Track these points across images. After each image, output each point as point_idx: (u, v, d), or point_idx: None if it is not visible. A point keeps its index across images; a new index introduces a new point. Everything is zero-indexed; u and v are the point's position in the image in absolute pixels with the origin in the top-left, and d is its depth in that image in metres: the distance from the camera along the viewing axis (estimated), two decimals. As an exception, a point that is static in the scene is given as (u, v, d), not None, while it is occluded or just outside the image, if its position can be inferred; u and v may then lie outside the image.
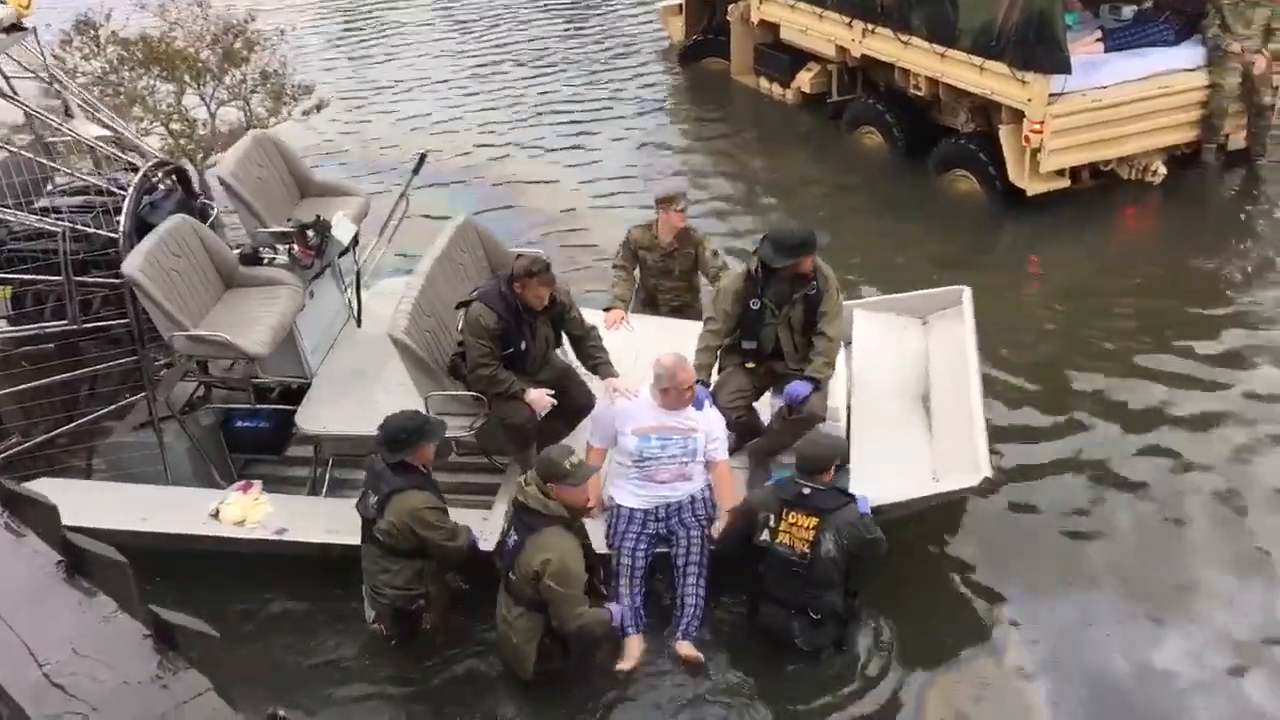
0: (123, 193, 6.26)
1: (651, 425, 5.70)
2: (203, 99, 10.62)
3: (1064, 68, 9.00)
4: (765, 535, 5.42)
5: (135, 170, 6.48)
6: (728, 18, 13.39)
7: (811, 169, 11.37)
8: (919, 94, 10.66)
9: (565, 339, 6.20)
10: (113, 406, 6.52)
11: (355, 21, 17.50)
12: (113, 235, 6.12)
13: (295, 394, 6.64)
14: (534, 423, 5.88)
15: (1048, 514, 6.43)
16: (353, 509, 5.60)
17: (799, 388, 5.88)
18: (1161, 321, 8.18)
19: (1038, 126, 9.23)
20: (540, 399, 5.80)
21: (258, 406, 6.59)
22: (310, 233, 6.62)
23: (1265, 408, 7.19)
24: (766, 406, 6.33)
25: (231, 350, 6.10)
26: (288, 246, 6.67)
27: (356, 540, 5.57)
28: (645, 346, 6.32)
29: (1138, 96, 9.56)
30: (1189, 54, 9.83)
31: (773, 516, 5.42)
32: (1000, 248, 9.79)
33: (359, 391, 6.50)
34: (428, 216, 8.85)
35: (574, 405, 6.08)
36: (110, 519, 5.86)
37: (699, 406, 5.74)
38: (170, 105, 10.49)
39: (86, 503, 6.06)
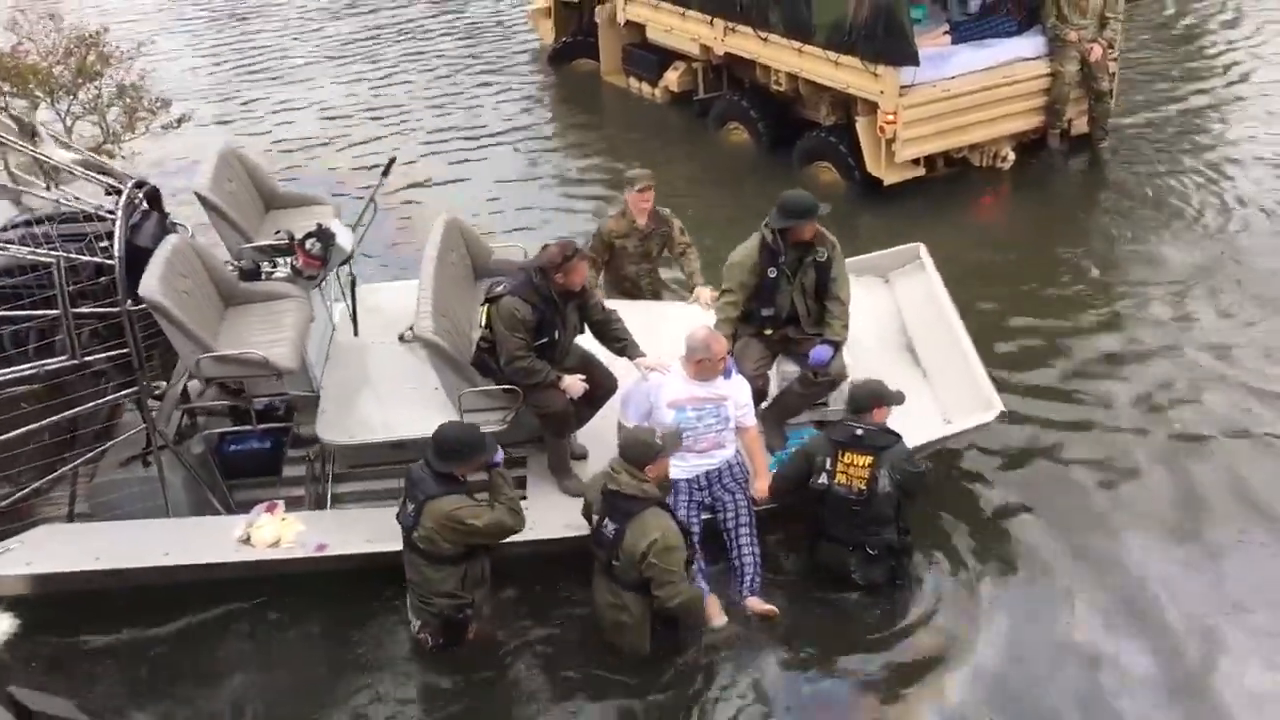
0: (111, 216, 5.96)
1: (686, 397, 5.87)
2: (58, 114, 10.37)
3: (912, 60, 9.34)
4: (823, 478, 5.76)
5: (115, 192, 6.19)
6: (596, 19, 13.53)
7: (682, 166, 11.54)
8: (781, 89, 10.94)
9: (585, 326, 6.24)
10: (112, 442, 6.25)
11: (221, 31, 17.22)
12: (107, 262, 5.80)
13: (283, 413, 6.44)
14: (571, 410, 6.03)
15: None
16: (382, 517, 5.68)
17: (823, 351, 6.19)
18: (1019, 298, 8.60)
19: (891, 118, 9.56)
20: (575, 384, 5.93)
21: (249, 428, 6.31)
22: (311, 242, 6.44)
23: (1131, 368, 7.73)
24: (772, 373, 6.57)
25: (265, 368, 5.90)
26: (289, 258, 6.54)
27: (398, 547, 5.55)
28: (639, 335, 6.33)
29: (985, 86, 9.99)
30: (1031, 44, 10.30)
31: (829, 459, 5.75)
32: (862, 236, 9.99)
33: (374, 398, 6.46)
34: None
35: (599, 389, 6.19)
36: (130, 558, 5.81)
37: (727, 376, 5.94)
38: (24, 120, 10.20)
39: (97, 546, 5.93)
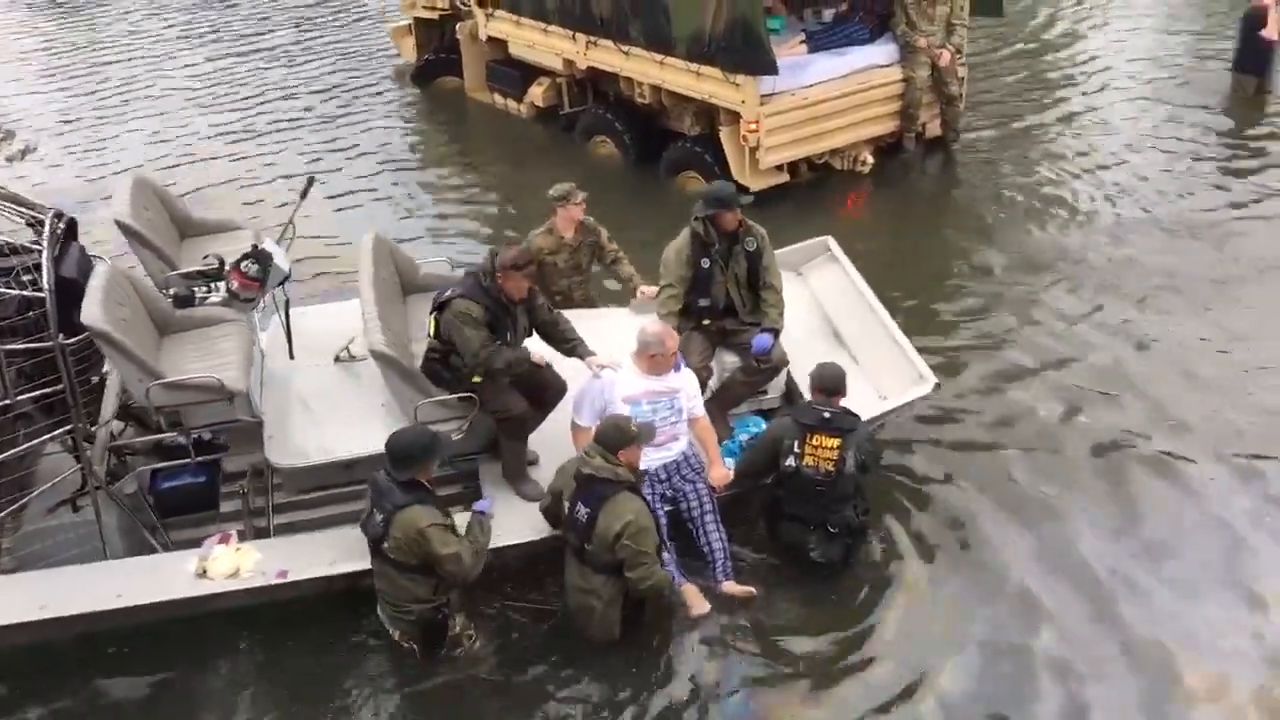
0: (36, 248, 5.67)
1: (641, 392, 6.00)
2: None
3: (771, 69, 9.55)
4: (791, 460, 5.92)
5: (35, 224, 5.89)
6: (457, 36, 13.48)
7: (548, 181, 11.45)
8: (645, 102, 11.06)
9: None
10: (42, 488, 5.94)
11: (58, 54, 16.60)
12: (36, 295, 5.49)
13: (208, 445, 6.21)
14: (530, 411, 6.11)
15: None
16: (339, 539, 5.74)
17: (765, 339, 6.42)
18: (887, 292, 8.81)
19: (753, 126, 9.77)
20: (541, 356, 6.08)
21: (183, 462, 6.08)
22: (247, 264, 6.30)
23: (994, 353, 8.13)
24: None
25: (219, 392, 5.77)
26: (220, 283, 6.40)
27: (361, 566, 5.58)
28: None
29: (842, 92, 10.29)
30: (883, 51, 10.65)
31: (797, 442, 5.92)
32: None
33: (321, 419, 6.36)
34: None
35: (549, 391, 6.24)
36: (80, 604, 5.59)
37: (677, 369, 6.09)
38: None
39: (39, 595, 5.64)
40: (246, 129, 13.19)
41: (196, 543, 6.00)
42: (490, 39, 12.84)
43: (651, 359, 5.98)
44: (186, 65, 15.75)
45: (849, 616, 5.95)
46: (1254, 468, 6.79)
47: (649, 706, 5.51)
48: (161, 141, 12.97)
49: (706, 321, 6.62)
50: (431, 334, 5.99)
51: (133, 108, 14.16)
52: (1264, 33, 11.87)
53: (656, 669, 5.68)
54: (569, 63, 11.71)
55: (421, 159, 12.41)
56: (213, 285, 6.49)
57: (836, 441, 5.88)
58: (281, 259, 6.48)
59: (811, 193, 10.47)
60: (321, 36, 16.77)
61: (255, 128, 13.23)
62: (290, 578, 5.77)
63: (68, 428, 5.82)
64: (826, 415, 5.93)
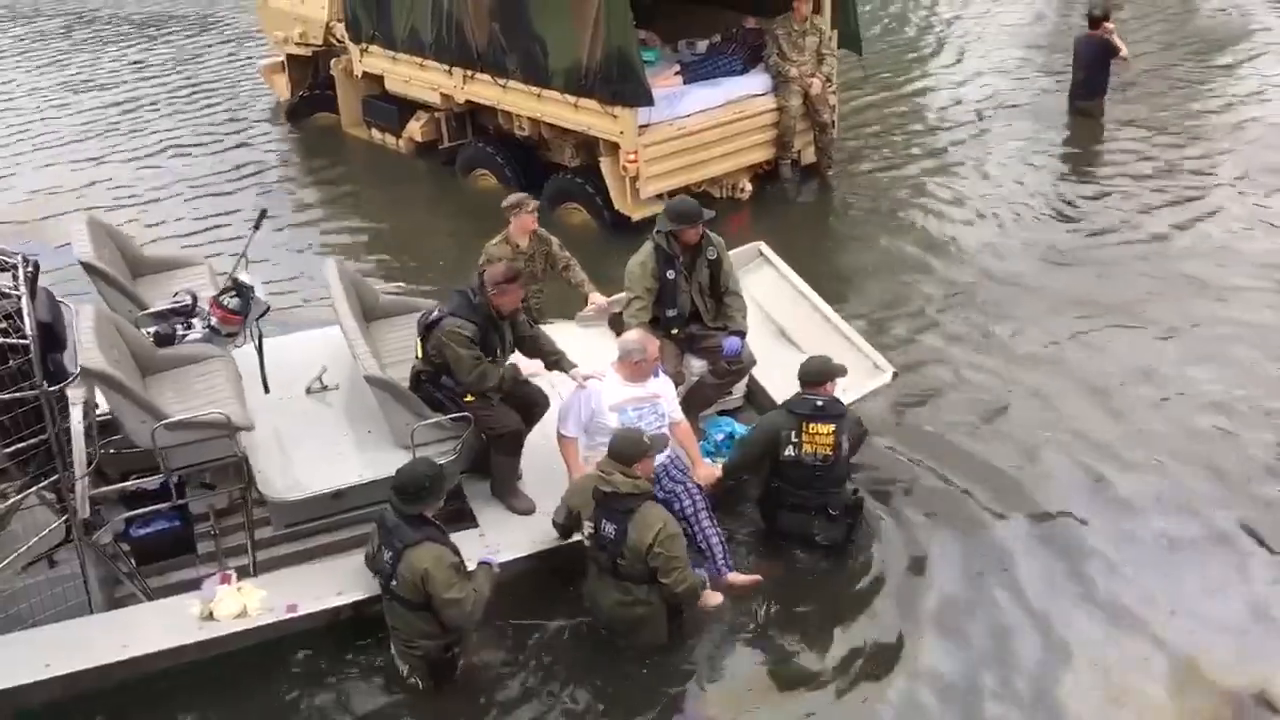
0: (13, 293, 5.41)
1: (626, 399, 6.14)
2: None
3: (647, 100, 9.68)
4: (790, 450, 6.20)
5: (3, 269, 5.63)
6: (331, 72, 13.34)
7: (433, 216, 11.53)
8: (525, 134, 11.09)
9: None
10: (29, 544, 5.61)
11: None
12: (19, 342, 5.21)
13: (177, 489, 6.01)
14: (523, 426, 6.22)
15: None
16: (340, 566, 5.86)
17: (735, 342, 6.73)
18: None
19: (632, 156, 9.87)
20: (530, 364, 6.22)
21: (160, 506, 5.91)
22: (228, 297, 6.24)
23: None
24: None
25: (226, 428, 5.68)
26: (197, 319, 6.34)
27: (368, 593, 5.66)
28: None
29: (718, 122, 10.47)
30: (757, 81, 10.87)
31: (794, 432, 6.19)
32: (617, 273, 10.29)
33: (308, 452, 6.30)
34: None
35: (534, 406, 6.39)
36: (87, 659, 5.43)
37: (656, 375, 6.26)
38: None
39: (40, 653, 5.42)
40: (123, 177, 12.79)
41: (176, 589, 5.95)
42: (366, 74, 12.73)
43: (635, 365, 6.13)
44: (72, 111, 15.27)
45: (851, 597, 6.23)
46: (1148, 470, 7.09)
47: (665, 702, 5.64)
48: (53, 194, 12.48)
49: (675, 331, 6.82)
50: (420, 355, 6.08)
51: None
52: (1120, 56, 12.57)
53: (675, 666, 5.82)
54: (447, 97, 11.66)
55: (299, 198, 12.20)
56: (192, 322, 6.42)
57: (830, 427, 6.19)
58: (260, 291, 6.47)
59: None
60: (195, 79, 16.41)
61: (129, 175, 12.86)
62: (301, 611, 5.71)
63: (53, 479, 5.56)
64: (819, 404, 6.24)
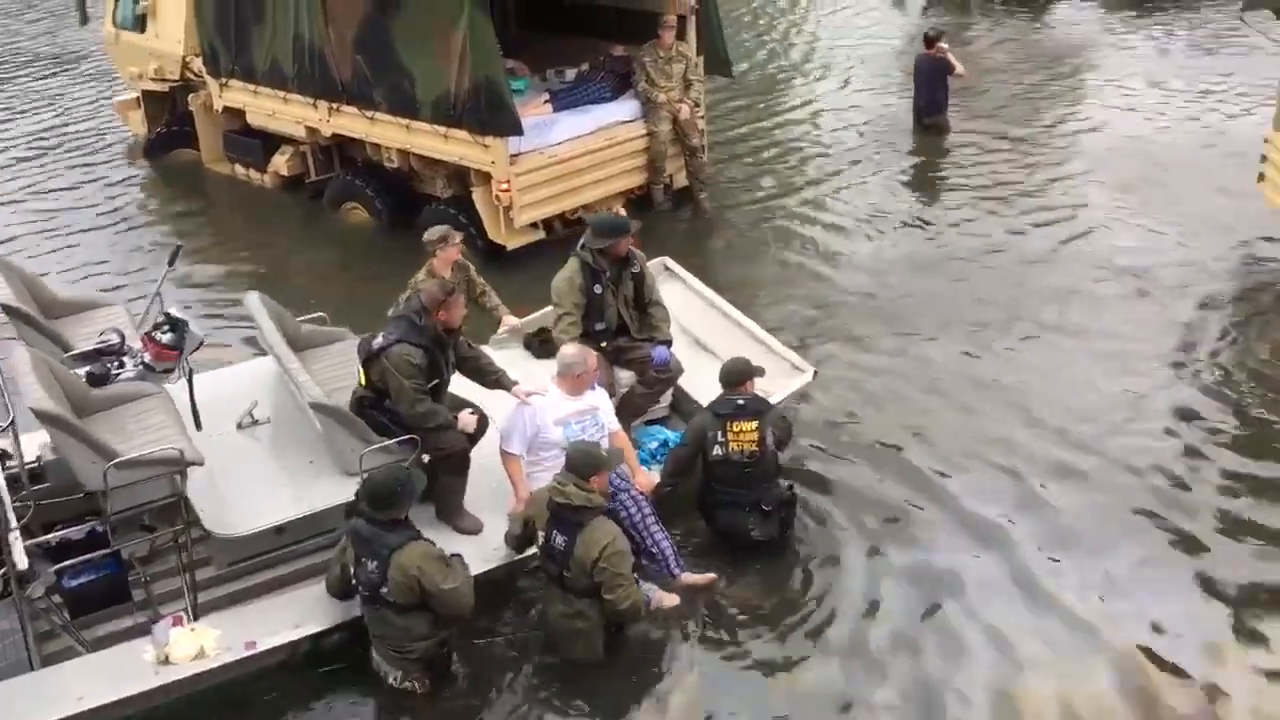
0: None
1: (569, 413, 6.31)
2: None
3: (516, 130, 9.65)
4: (718, 449, 6.38)
5: None
6: (190, 108, 12.97)
7: (302, 251, 11.26)
8: (395, 166, 10.94)
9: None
10: None
11: None
12: None
13: (101, 539, 5.78)
14: (469, 447, 6.23)
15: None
16: (292, 601, 5.84)
17: (663, 352, 6.96)
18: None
19: (505, 186, 9.83)
20: (469, 420, 6.22)
21: (85, 558, 5.70)
22: (161, 332, 6.15)
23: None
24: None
25: (179, 464, 5.54)
26: (130, 357, 6.22)
27: (326, 624, 5.70)
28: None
29: (589, 149, 10.51)
30: (627, 108, 10.96)
31: (719, 432, 6.38)
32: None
33: (253, 485, 6.21)
34: None
35: (477, 426, 6.38)
36: (42, 713, 5.24)
37: (593, 388, 6.41)
38: None
39: None
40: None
41: (112, 640, 5.80)
42: (226, 109, 12.42)
43: (577, 379, 6.28)
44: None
45: (798, 586, 6.40)
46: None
47: (637, 708, 5.70)
48: None
49: (604, 344, 6.92)
50: (363, 382, 6.09)
51: None
52: (956, 73, 13.17)
53: (642, 668, 5.91)
54: (312, 130, 11.45)
55: (162, 238, 11.77)
56: (124, 361, 6.28)
57: (754, 424, 6.38)
58: (193, 325, 6.39)
59: (567, 249, 10.41)
60: (40, 123, 15.77)
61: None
62: (260, 647, 5.65)
63: None
64: (741, 402, 6.45)
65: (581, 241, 7.04)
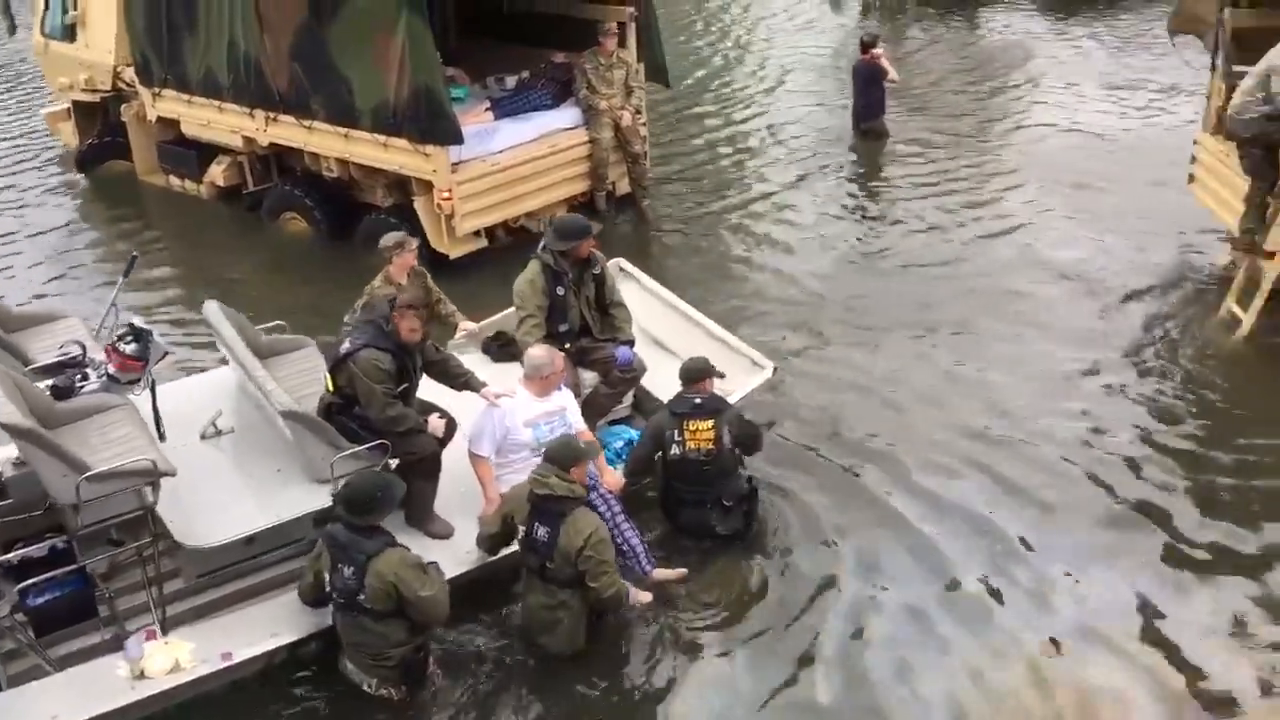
0: None
1: (538, 414, 6.38)
2: None
3: (457, 138, 9.59)
4: (675, 448, 6.53)
5: None
6: (123, 118, 12.73)
7: (241, 262, 11.07)
8: (334, 175, 10.82)
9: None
10: None
11: None
12: None
13: (63, 555, 5.70)
14: (440, 450, 6.24)
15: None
16: (265, 609, 5.85)
17: (625, 352, 7.08)
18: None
19: (447, 194, 9.75)
20: (438, 424, 6.23)
21: (49, 575, 5.59)
22: (125, 344, 6.02)
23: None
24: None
25: (151, 475, 5.46)
26: (94, 369, 6.12)
27: (302, 633, 5.72)
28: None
29: (531, 157, 10.47)
30: (568, 115, 10.93)
31: (676, 431, 6.52)
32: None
33: (221, 495, 6.14)
34: None
35: (446, 429, 6.41)
36: None
37: (559, 389, 6.48)
38: None
39: None
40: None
41: (78, 657, 5.70)
42: (160, 119, 12.20)
43: (544, 380, 6.36)
44: None
45: (754, 583, 6.48)
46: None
47: (619, 704, 5.77)
48: None
49: (567, 345, 6.97)
50: (331, 389, 6.10)
51: None
52: (889, 79, 13.30)
53: (618, 667, 5.95)
54: (249, 140, 11.29)
55: (100, 252, 11.55)
56: (88, 374, 6.19)
57: (710, 422, 6.50)
58: (156, 335, 6.29)
59: (511, 256, 10.46)
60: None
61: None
62: (236, 659, 5.63)
63: None
64: (697, 401, 6.58)
65: (542, 244, 7.11)
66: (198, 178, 12.19)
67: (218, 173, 11.92)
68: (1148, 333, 8.89)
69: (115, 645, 5.70)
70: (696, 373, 6.69)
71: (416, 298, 6.36)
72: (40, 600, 5.66)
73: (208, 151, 11.99)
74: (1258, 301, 8.43)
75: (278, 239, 11.31)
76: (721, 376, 6.83)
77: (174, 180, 12.57)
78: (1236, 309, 8.67)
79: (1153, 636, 5.97)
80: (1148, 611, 6.13)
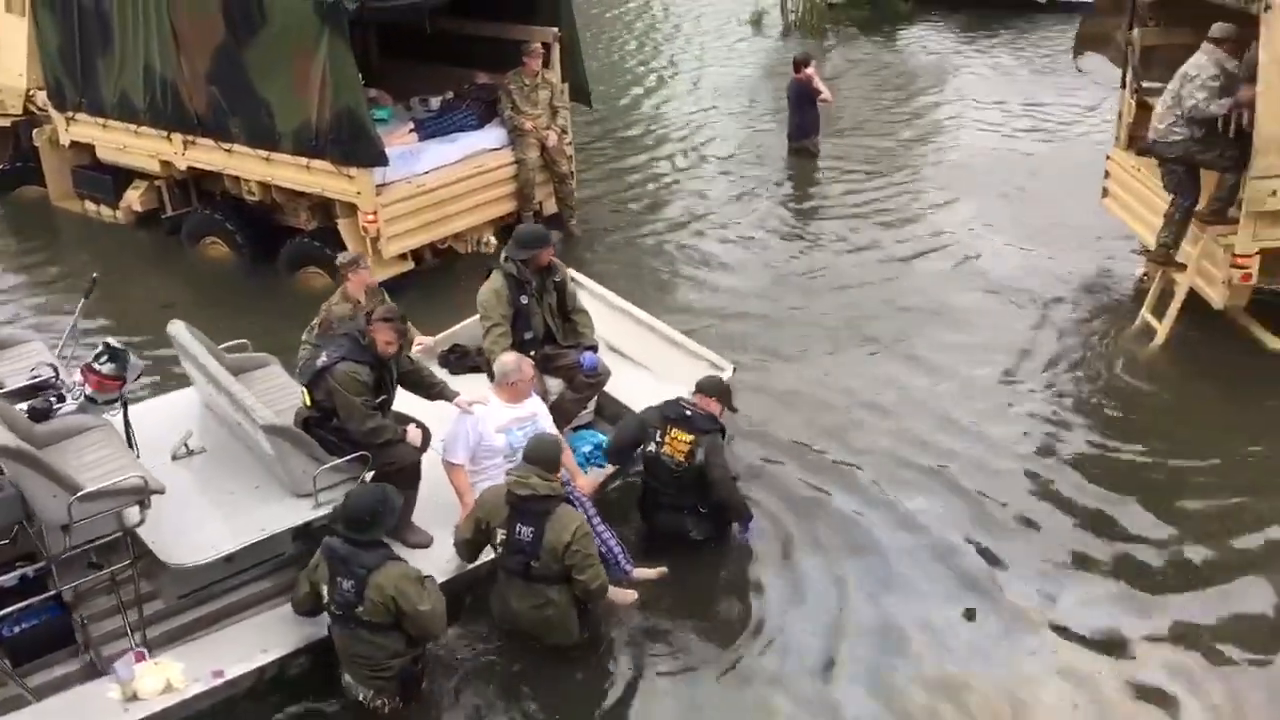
0: None
1: (510, 420, 6.49)
2: None
3: (380, 160, 9.49)
4: (652, 447, 6.64)
5: None
6: (35, 143, 12.39)
7: (161, 289, 10.81)
8: (255, 199, 10.63)
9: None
10: None
11: None
12: None
13: (33, 584, 5.65)
14: (420, 459, 6.31)
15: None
16: (252, 626, 5.87)
17: (591, 357, 7.21)
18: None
19: (371, 217, 9.63)
20: (415, 433, 6.26)
21: (25, 603, 5.55)
22: (102, 362, 6.01)
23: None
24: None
25: (141, 493, 5.43)
26: (69, 390, 6.07)
27: (291, 648, 5.76)
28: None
29: (457, 178, 10.39)
30: (494, 135, 10.88)
31: (659, 431, 6.62)
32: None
33: (202, 513, 6.09)
34: None
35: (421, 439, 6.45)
36: None
37: (529, 395, 6.60)
38: None
39: None
40: None
41: (55, 685, 5.63)
42: (74, 143, 11.90)
43: (513, 386, 6.49)
44: None
45: (728, 586, 6.65)
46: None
47: (608, 702, 5.86)
48: None
49: (532, 353, 7.03)
50: (308, 403, 6.13)
51: None
52: (821, 98, 13.47)
53: (605, 667, 6.05)
54: (167, 164, 11.05)
55: (12, 284, 11.19)
56: (64, 395, 6.14)
57: (690, 437, 6.57)
58: (131, 354, 6.23)
59: (438, 278, 10.44)
60: None
61: None
62: (228, 675, 5.63)
63: None
64: (688, 413, 6.65)
65: (504, 254, 7.25)
66: (114, 203, 11.91)
67: (135, 197, 11.65)
68: (1074, 341, 9.12)
69: (92, 672, 5.67)
70: (709, 389, 6.80)
71: (393, 310, 6.39)
72: (17, 629, 5.65)
73: (124, 176, 11.72)
74: (1172, 311, 8.62)
75: (198, 264, 11.08)
76: (734, 410, 6.99)
77: (89, 206, 12.27)
78: (1152, 319, 8.86)
79: (1115, 648, 6.08)
80: (1112, 625, 6.24)
